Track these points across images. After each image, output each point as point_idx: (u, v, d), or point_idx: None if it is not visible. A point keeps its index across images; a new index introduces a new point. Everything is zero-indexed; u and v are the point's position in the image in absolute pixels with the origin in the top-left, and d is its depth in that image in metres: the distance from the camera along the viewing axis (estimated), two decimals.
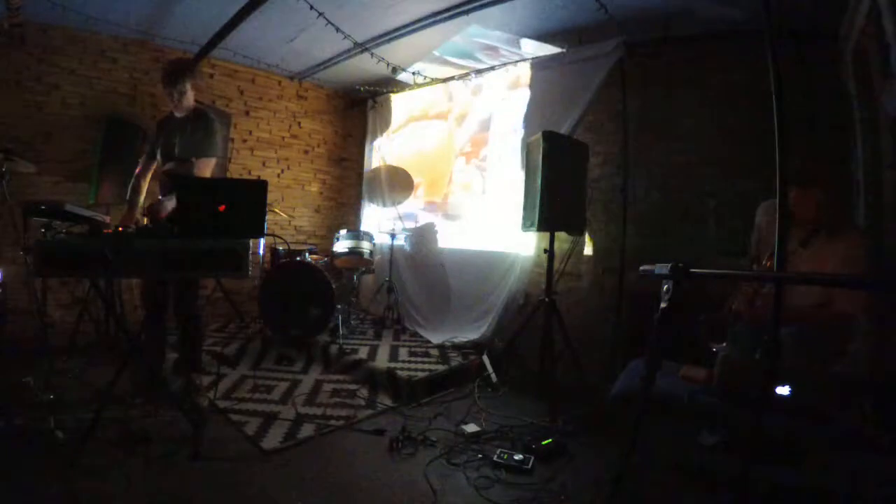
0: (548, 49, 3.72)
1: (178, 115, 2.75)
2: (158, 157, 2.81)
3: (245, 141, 4.93)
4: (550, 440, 2.37)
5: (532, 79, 3.85)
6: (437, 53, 4.17)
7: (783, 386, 1.52)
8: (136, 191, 2.83)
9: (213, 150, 2.73)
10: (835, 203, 1.99)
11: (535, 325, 3.07)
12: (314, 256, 4.16)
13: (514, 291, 3.70)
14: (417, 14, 3.44)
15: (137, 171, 2.89)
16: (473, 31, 3.64)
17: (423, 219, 4.89)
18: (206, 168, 2.71)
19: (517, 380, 3.28)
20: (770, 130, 1.35)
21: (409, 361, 3.38)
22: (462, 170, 4.72)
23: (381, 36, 3.77)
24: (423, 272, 4.55)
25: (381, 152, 5.28)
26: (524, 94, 3.94)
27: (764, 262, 1.99)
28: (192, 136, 2.69)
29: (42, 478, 1.86)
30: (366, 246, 4.09)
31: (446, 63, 4.35)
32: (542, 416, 2.73)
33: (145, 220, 2.67)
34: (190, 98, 2.74)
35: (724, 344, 1.97)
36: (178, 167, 2.71)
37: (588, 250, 3.63)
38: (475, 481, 2.07)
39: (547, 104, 3.65)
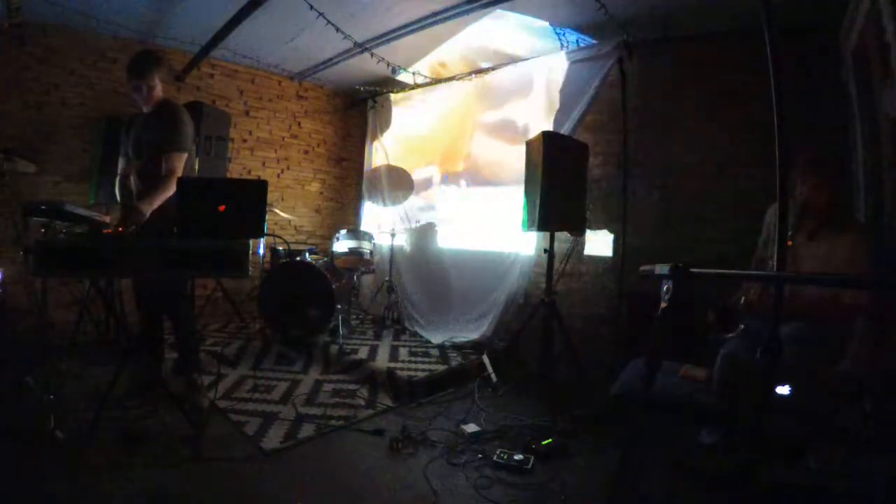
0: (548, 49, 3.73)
1: (145, 109, 2.60)
2: (130, 154, 2.67)
3: (245, 141, 4.93)
4: (550, 440, 2.36)
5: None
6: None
7: (783, 385, 1.52)
8: (126, 193, 2.69)
9: (182, 144, 2.54)
10: (843, 197, 2.01)
11: (535, 325, 3.07)
12: (314, 256, 4.16)
13: (514, 291, 3.70)
14: (417, 14, 3.44)
15: (120, 172, 2.77)
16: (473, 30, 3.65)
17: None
18: (177, 162, 2.51)
19: (517, 380, 3.28)
20: (770, 130, 1.35)
21: (409, 361, 3.38)
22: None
23: (381, 36, 3.77)
24: (423, 272, 4.55)
25: (384, 145, 5.23)
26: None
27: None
28: (158, 130, 2.52)
29: (42, 478, 1.86)
30: (366, 246, 4.09)
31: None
32: (542, 416, 2.73)
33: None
34: (159, 91, 2.57)
35: (735, 333, 1.96)
36: (148, 163, 2.55)
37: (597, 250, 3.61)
38: (475, 481, 2.07)
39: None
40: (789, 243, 1.88)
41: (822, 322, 1.84)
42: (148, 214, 2.34)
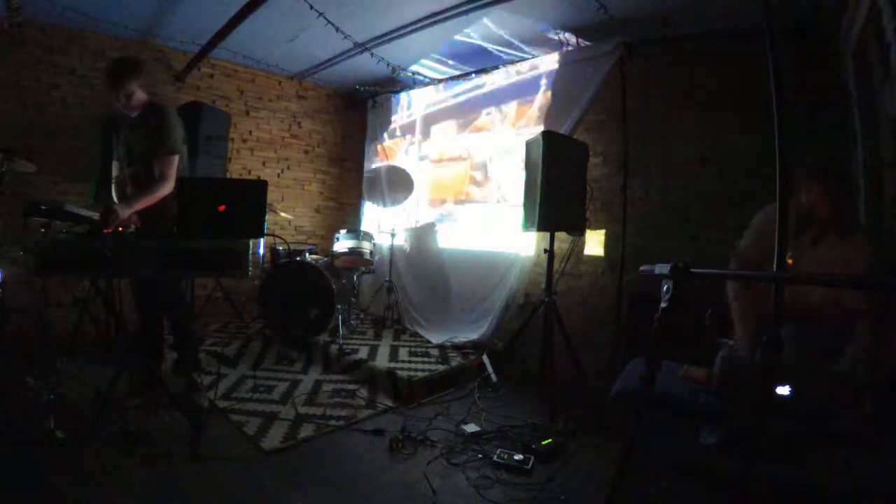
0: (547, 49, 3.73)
1: (132, 114, 2.57)
2: (123, 159, 2.66)
3: (245, 141, 4.93)
4: (550, 440, 2.37)
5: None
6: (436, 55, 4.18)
7: (783, 385, 1.51)
8: (123, 198, 2.66)
9: (172, 147, 2.51)
10: (847, 204, 2.01)
11: (535, 325, 3.07)
12: (314, 256, 4.16)
13: (514, 291, 3.70)
14: (417, 14, 3.43)
15: (115, 177, 2.75)
16: (471, 32, 3.65)
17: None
18: (168, 166, 2.48)
19: (517, 380, 3.28)
20: (770, 130, 1.35)
21: (409, 361, 3.38)
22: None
23: (381, 36, 3.77)
24: (423, 272, 4.55)
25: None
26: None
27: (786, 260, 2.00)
28: (147, 136, 2.50)
29: (42, 478, 1.86)
30: (366, 246, 4.09)
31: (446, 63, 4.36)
32: (542, 416, 2.73)
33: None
34: (139, 97, 2.51)
35: (733, 340, 1.96)
36: (140, 169, 2.55)
37: (596, 250, 3.61)
38: (475, 481, 2.07)
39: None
40: (790, 261, 1.88)
41: (822, 324, 1.84)
42: (125, 216, 2.33)
